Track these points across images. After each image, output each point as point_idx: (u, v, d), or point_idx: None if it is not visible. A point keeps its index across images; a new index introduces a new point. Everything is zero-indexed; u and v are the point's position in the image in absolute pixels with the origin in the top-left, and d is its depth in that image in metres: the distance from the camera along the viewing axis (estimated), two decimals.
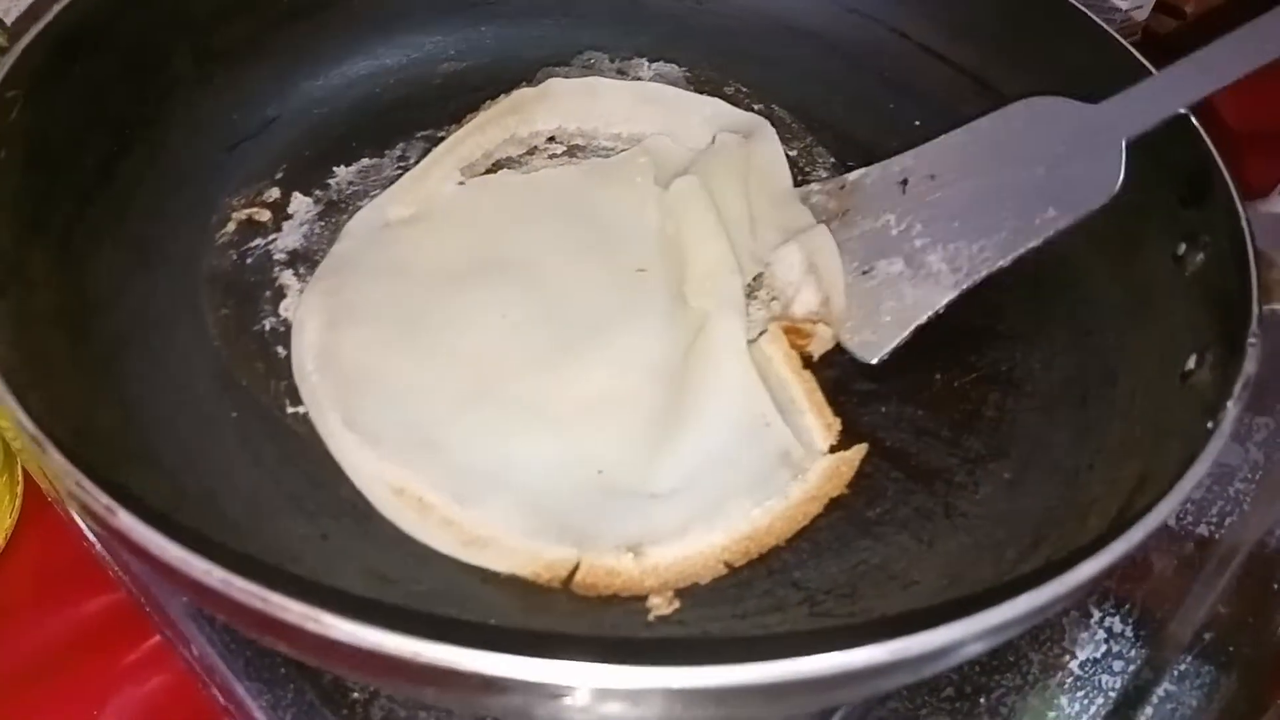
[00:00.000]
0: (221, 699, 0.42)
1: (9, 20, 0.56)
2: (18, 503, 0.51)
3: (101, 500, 0.30)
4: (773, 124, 0.58)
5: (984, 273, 0.48)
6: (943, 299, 0.48)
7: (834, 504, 0.43)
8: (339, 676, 0.40)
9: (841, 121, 0.59)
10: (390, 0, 0.60)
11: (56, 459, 0.31)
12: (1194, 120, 0.48)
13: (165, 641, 0.46)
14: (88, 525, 0.46)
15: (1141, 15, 0.71)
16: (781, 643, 0.29)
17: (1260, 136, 0.67)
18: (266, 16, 0.55)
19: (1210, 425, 0.37)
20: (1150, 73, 0.51)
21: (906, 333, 0.48)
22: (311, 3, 0.57)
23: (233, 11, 0.54)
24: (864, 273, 0.50)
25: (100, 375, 0.42)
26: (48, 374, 0.38)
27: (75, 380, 0.40)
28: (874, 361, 0.48)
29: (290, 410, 0.44)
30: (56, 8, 0.45)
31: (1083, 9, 0.55)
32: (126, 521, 0.30)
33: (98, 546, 0.47)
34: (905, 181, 0.52)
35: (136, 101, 0.49)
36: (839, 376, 0.48)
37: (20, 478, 0.51)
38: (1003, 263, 0.48)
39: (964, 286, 0.48)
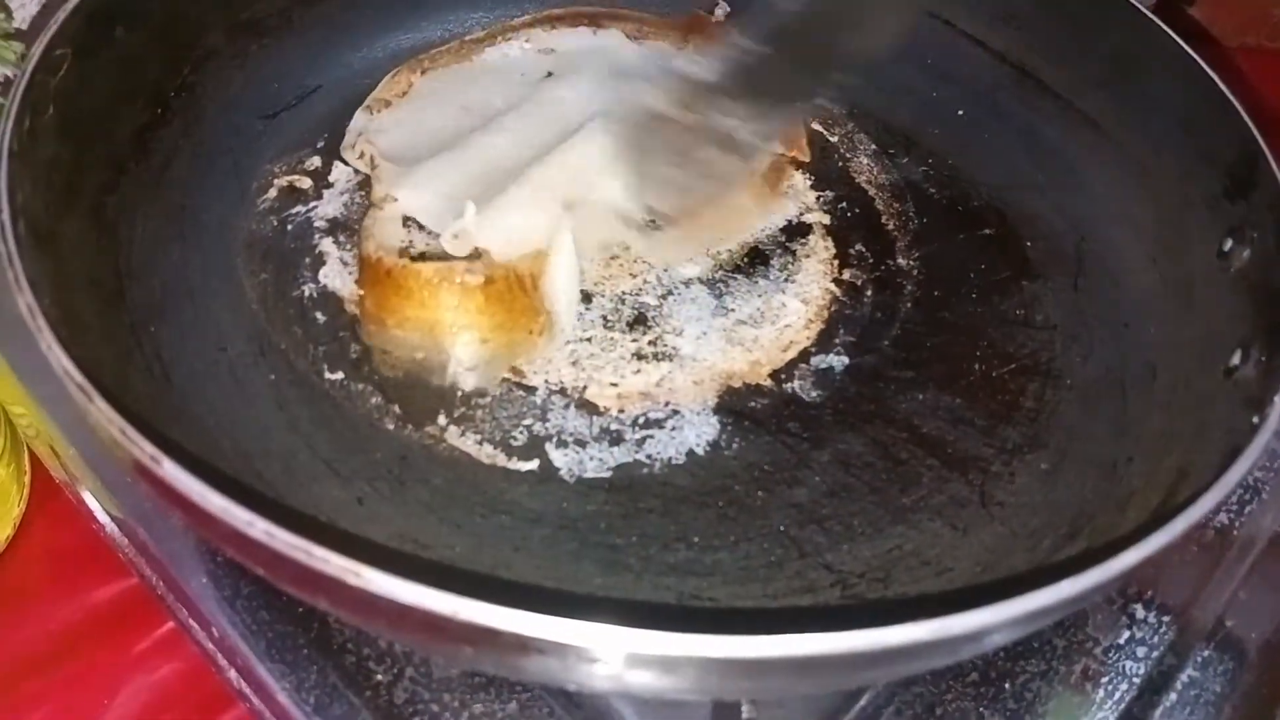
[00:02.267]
0: (242, 682, 0.42)
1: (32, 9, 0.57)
2: (26, 491, 0.51)
3: (147, 449, 0.30)
4: (815, 110, 0.58)
5: None
6: None
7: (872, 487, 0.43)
8: (362, 658, 0.40)
9: (883, 109, 0.59)
10: None
11: (102, 406, 0.31)
12: (1240, 108, 0.47)
13: (177, 628, 0.47)
14: (102, 507, 0.46)
15: None
16: (818, 616, 0.28)
17: None
18: None
19: (1256, 420, 0.36)
20: (1191, 57, 0.50)
21: None
22: None
23: None
24: None
25: (138, 338, 0.42)
26: (86, 334, 0.39)
27: (113, 342, 0.40)
28: None
29: (328, 376, 0.45)
30: None
31: None
32: (171, 471, 0.30)
33: (109, 529, 0.47)
34: None
35: (172, 72, 0.50)
36: (876, 363, 0.48)
37: (28, 466, 0.51)
38: None
39: None
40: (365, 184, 0.52)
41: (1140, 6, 0.54)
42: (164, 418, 0.40)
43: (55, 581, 0.50)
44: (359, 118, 0.54)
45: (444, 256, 0.46)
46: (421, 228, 0.48)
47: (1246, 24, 0.78)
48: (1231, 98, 0.47)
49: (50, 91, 0.43)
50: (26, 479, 0.52)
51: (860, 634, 0.28)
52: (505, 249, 0.46)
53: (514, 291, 0.45)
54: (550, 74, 0.57)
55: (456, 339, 0.45)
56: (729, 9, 0.62)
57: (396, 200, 0.49)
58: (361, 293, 0.47)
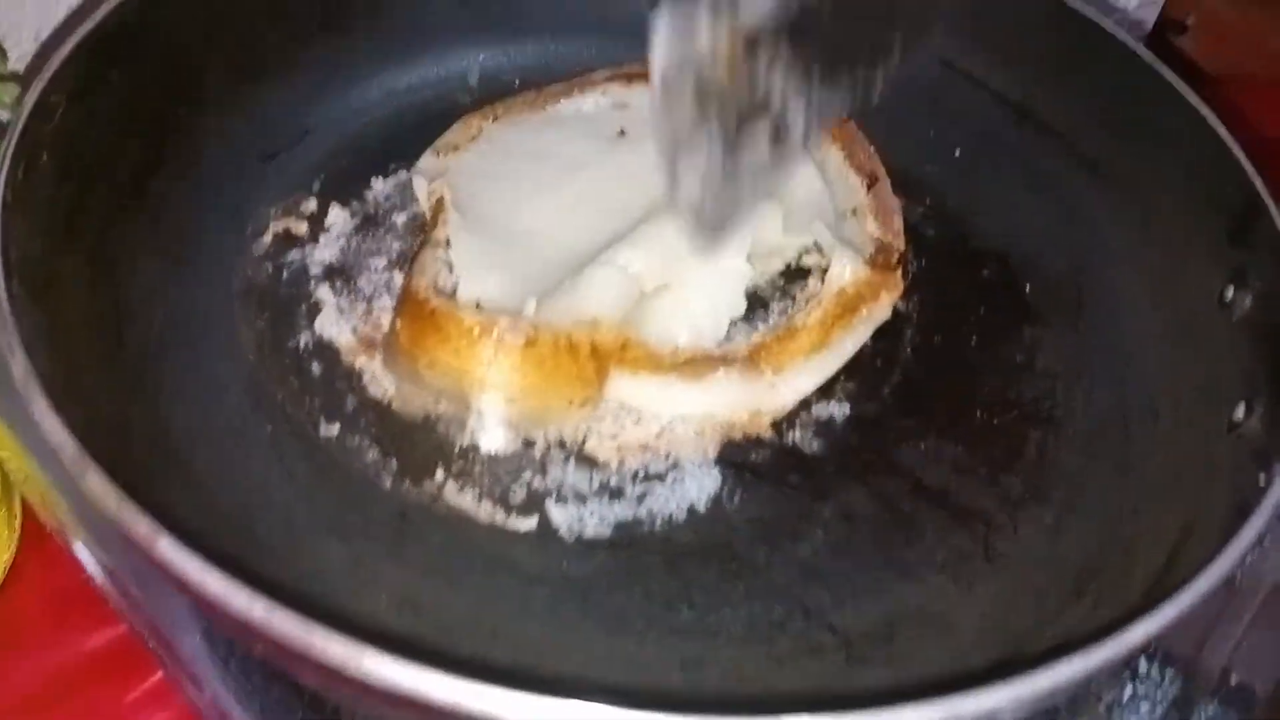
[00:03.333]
0: None
1: (42, 37, 0.56)
2: (17, 535, 0.50)
3: (143, 528, 0.30)
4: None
5: None
6: None
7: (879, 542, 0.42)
8: None
9: (881, 147, 0.58)
10: (424, 15, 0.60)
11: (98, 481, 0.31)
12: (1240, 155, 0.47)
13: (169, 678, 0.46)
14: (94, 558, 0.45)
15: (1148, 15, 0.70)
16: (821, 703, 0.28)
17: None
18: (298, 31, 0.56)
19: (1263, 481, 0.36)
20: (1191, 101, 0.50)
21: None
22: (343, 17, 0.57)
23: (263, 27, 0.54)
24: None
25: (134, 384, 0.41)
26: (81, 384, 0.38)
27: (109, 389, 0.40)
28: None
29: (324, 429, 0.44)
30: (91, 21, 0.45)
31: (1125, 37, 0.55)
32: (168, 550, 0.30)
33: (99, 580, 0.46)
34: None
35: (169, 114, 0.49)
36: (878, 412, 0.47)
37: (19, 510, 0.50)
38: None
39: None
40: (361, 228, 0.52)
41: (1139, 48, 0.54)
42: (160, 475, 0.39)
43: (47, 627, 0.49)
44: (426, 159, 0.54)
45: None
46: None
47: (1237, 55, 0.78)
48: (1232, 144, 0.47)
49: (46, 138, 0.42)
50: (17, 523, 0.51)
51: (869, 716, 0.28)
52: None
53: (560, 357, 0.43)
54: (623, 131, 0.56)
55: (483, 396, 0.44)
56: None
57: (452, 248, 0.48)
58: (399, 325, 0.46)
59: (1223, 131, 0.47)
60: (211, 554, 0.29)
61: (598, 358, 0.44)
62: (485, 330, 0.43)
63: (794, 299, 0.51)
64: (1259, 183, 0.46)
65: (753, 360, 0.46)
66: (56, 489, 0.45)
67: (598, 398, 0.45)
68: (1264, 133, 0.66)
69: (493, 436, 0.44)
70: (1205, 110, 0.48)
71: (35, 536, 0.50)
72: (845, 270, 0.49)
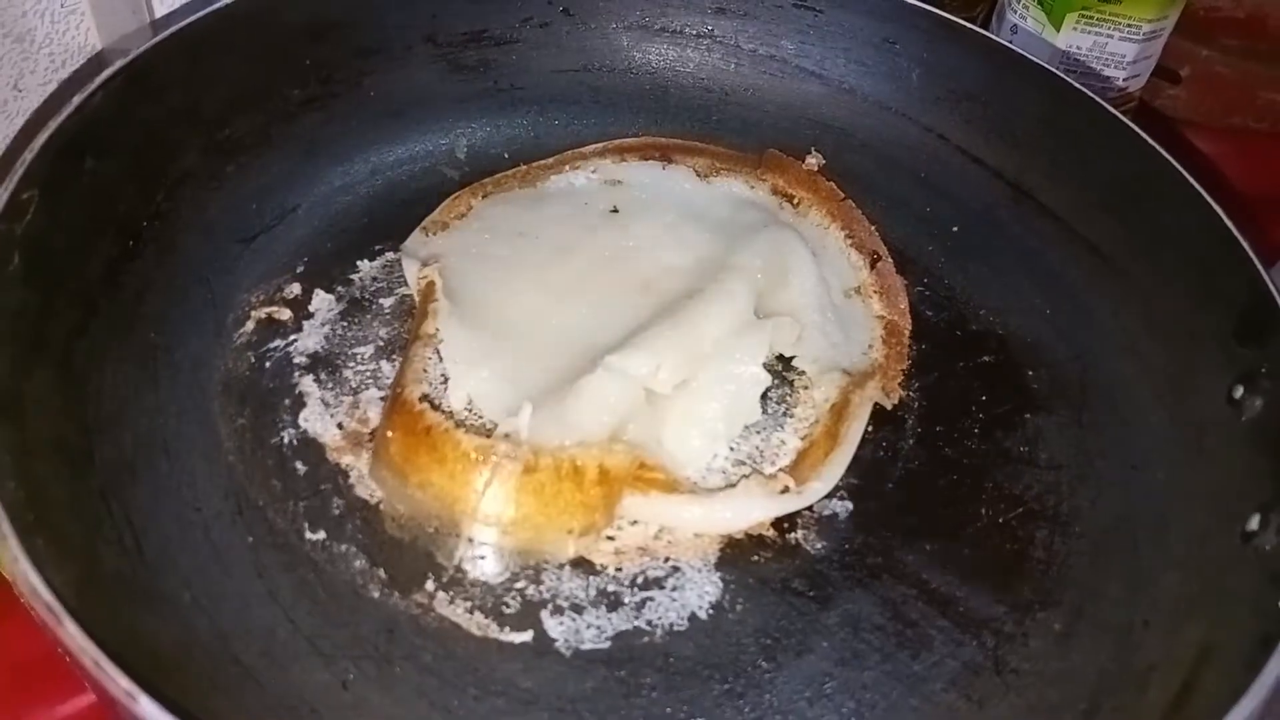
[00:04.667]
0: None
1: (21, 117, 0.54)
2: None
3: (122, 684, 0.28)
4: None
5: None
6: None
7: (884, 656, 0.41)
8: None
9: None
10: (409, 87, 0.59)
11: (73, 632, 0.29)
12: (1250, 251, 0.47)
13: None
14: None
15: (1136, 86, 0.71)
16: None
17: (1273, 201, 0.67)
18: (278, 108, 0.54)
19: None
20: (1198, 191, 0.49)
21: None
22: (324, 92, 0.56)
23: (242, 105, 0.53)
24: None
25: (107, 504, 0.39)
26: (49, 511, 0.36)
27: (79, 516, 0.38)
28: None
29: (309, 536, 0.42)
30: (65, 110, 0.44)
31: (1122, 117, 0.54)
32: (148, 709, 0.28)
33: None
34: None
35: (145, 199, 0.48)
36: (881, 509, 0.46)
37: None
38: None
39: None
40: (347, 314, 0.50)
41: (1144, 135, 0.53)
42: (134, 598, 0.37)
43: (20, 693, 0.47)
44: (415, 239, 0.52)
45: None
46: None
47: (1231, 105, 0.79)
48: (1240, 238, 0.47)
49: (16, 239, 0.41)
50: None
51: None
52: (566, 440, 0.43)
53: (560, 483, 0.42)
54: (616, 209, 0.55)
55: (474, 523, 0.42)
56: (823, 160, 0.60)
57: (443, 342, 0.47)
58: (390, 436, 0.44)
59: (1230, 225, 0.47)
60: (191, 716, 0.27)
61: (606, 482, 0.42)
62: (484, 455, 0.41)
63: (791, 385, 0.50)
64: (1268, 279, 0.45)
65: (776, 478, 0.45)
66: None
67: (601, 525, 0.43)
68: (1254, 182, 0.66)
69: (484, 566, 0.42)
70: (1212, 204, 0.47)
71: (6, 602, 0.48)
72: (833, 389, 0.49)
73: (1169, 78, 0.78)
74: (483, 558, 0.42)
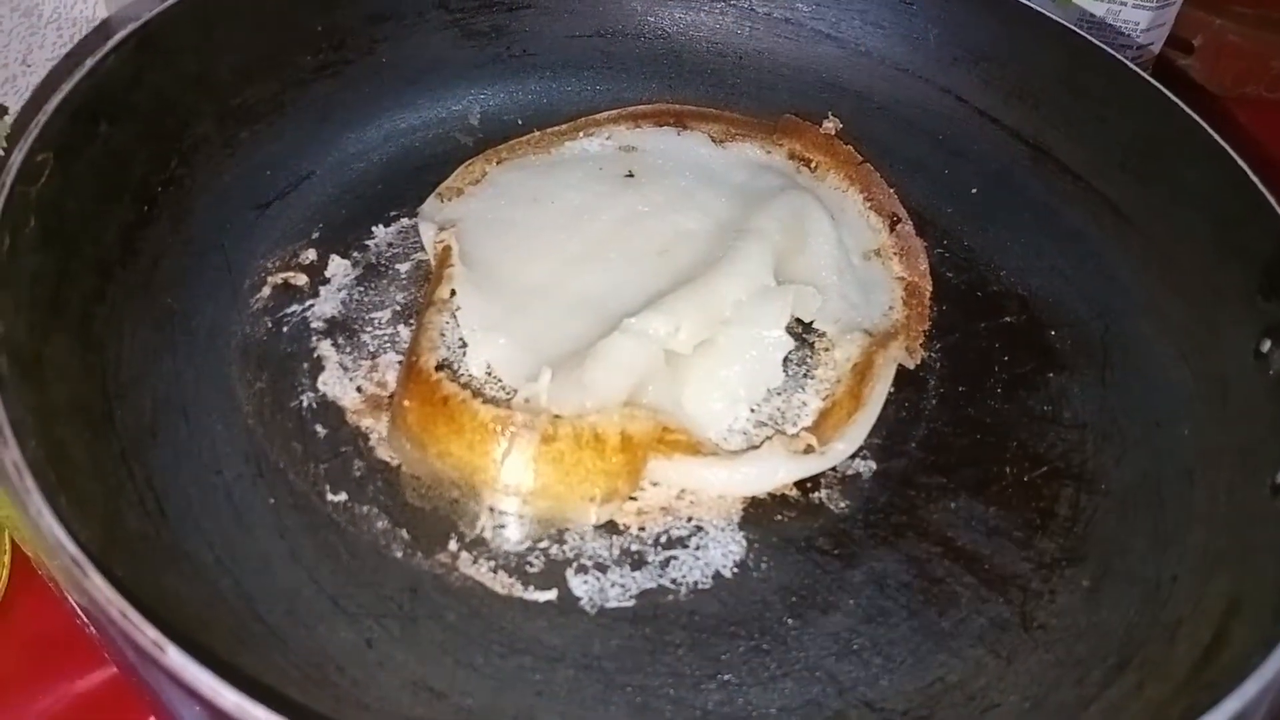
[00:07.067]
0: None
1: (29, 91, 0.54)
2: (6, 573, 0.48)
3: (149, 634, 0.28)
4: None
5: None
6: None
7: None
8: None
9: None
10: (422, 53, 0.58)
11: (99, 584, 0.29)
12: (1274, 203, 0.46)
13: None
14: (79, 610, 0.43)
15: (1149, 55, 0.70)
16: None
17: None
18: (291, 75, 0.54)
19: None
20: (1220, 145, 0.49)
21: None
22: (337, 59, 0.56)
23: (255, 71, 0.52)
24: None
25: (127, 469, 0.39)
26: (71, 472, 0.36)
27: (101, 478, 0.38)
28: None
29: (331, 498, 0.42)
30: (78, 74, 0.43)
31: (1144, 75, 0.54)
32: (176, 659, 0.27)
33: (91, 630, 0.44)
34: None
35: (159, 165, 0.47)
36: (905, 468, 0.46)
37: (8, 546, 0.48)
38: None
39: None
40: (363, 279, 0.50)
41: (1156, 84, 0.52)
42: (158, 558, 0.37)
43: (37, 669, 0.47)
44: (430, 205, 0.52)
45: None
46: None
47: (1244, 75, 0.78)
48: (1264, 191, 0.46)
49: (31, 202, 0.40)
50: (7, 559, 0.49)
51: None
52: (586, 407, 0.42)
53: (581, 451, 0.41)
54: (631, 174, 0.55)
55: (495, 493, 0.42)
56: (840, 124, 0.59)
57: (460, 308, 0.47)
58: (406, 403, 0.43)
59: (1255, 180, 0.46)
60: (221, 664, 0.27)
61: (629, 449, 0.42)
62: (503, 424, 0.41)
63: (812, 347, 0.50)
64: None
65: (799, 438, 0.44)
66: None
67: (625, 492, 0.43)
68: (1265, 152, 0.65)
69: (506, 534, 0.42)
70: (1235, 157, 0.47)
71: (24, 577, 0.48)
72: (854, 349, 0.48)
73: (1181, 47, 0.77)
74: (504, 526, 0.42)
